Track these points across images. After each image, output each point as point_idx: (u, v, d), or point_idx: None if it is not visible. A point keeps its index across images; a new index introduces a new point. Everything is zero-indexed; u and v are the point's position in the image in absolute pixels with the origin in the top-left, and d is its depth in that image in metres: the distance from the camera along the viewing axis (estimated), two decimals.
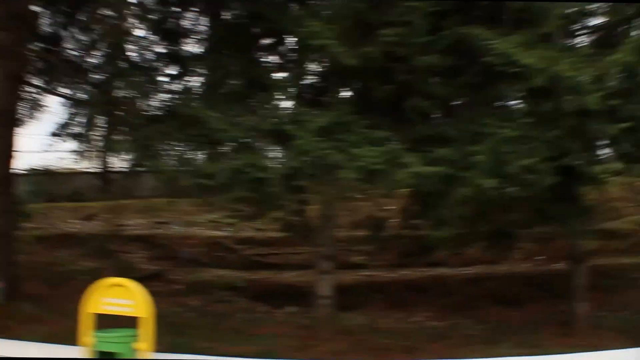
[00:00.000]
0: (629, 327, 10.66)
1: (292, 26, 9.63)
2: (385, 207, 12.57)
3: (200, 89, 11.63)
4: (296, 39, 10.23)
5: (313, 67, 10.72)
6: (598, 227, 14.18)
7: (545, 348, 8.89)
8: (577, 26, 10.16)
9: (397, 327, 11.09)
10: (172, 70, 11.93)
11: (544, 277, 12.35)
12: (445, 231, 9.46)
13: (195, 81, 11.93)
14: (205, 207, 13.25)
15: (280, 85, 10.11)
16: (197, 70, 11.94)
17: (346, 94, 10.49)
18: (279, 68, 11.13)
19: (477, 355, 9.00)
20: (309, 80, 10.93)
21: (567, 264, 11.07)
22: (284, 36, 10.94)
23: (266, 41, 11.55)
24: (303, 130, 8.80)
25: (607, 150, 9.75)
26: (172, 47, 11.88)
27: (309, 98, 10.42)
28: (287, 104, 10.26)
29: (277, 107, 9.72)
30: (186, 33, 11.93)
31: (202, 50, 12.13)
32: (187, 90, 11.47)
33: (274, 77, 10.53)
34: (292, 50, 10.95)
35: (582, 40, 10.23)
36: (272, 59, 11.59)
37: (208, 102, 10.20)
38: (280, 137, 9.27)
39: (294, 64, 10.76)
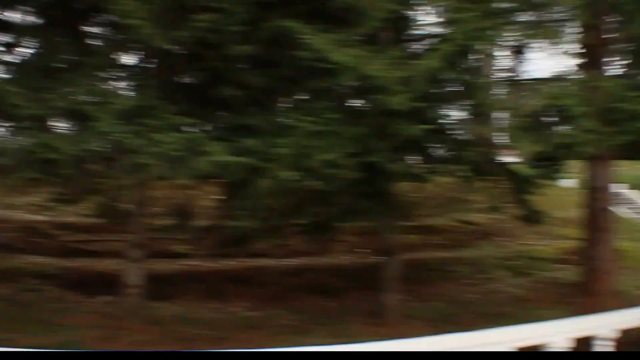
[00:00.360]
0: (438, 316, 11.19)
1: (109, 4, 9.16)
2: (208, 196, 12.35)
3: (17, 62, 10.84)
4: (113, 17, 9.74)
5: (128, 47, 10.27)
6: (418, 222, 14.85)
7: (356, 337, 9.11)
8: (396, 30, 10.35)
9: (211, 317, 11.00)
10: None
11: (363, 269, 12.62)
12: (253, 222, 9.44)
13: (17, 53, 11.09)
14: (25, 189, 12.50)
15: (93, 64, 9.61)
16: (22, 41, 11.10)
17: (156, 77, 10.12)
18: (98, 46, 10.55)
19: (287, 344, 9.07)
20: (121, 60, 10.48)
21: (381, 257, 11.37)
22: (104, 13, 10.41)
23: (89, 18, 10.97)
24: (104, 111, 8.40)
25: (413, 150, 10.09)
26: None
27: (120, 79, 10.03)
28: (96, 83, 9.76)
29: (83, 86, 9.20)
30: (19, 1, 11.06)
31: (31, 21, 11.30)
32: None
33: (90, 55, 9.97)
34: (111, 29, 10.43)
35: (399, 45, 10.44)
36: (94, 36, 11.00)
37: (17, 76, 9.56)
38: (80, 117, 8.81)
39: (111, 42, 10.26)
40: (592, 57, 11.63)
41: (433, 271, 13.57)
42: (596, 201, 12.62)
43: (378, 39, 9.47)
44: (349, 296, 12.16)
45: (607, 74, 10.31)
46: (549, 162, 10.52)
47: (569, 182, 20.65)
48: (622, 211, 23.70)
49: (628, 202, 26.49)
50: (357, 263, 13.25)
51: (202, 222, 11.86)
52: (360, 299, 11.82)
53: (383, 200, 9.84)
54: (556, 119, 9.20)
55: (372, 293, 11.49)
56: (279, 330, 10.27)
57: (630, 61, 10.63)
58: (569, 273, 13.96)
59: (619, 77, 10.53)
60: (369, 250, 12.41)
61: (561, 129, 9.22)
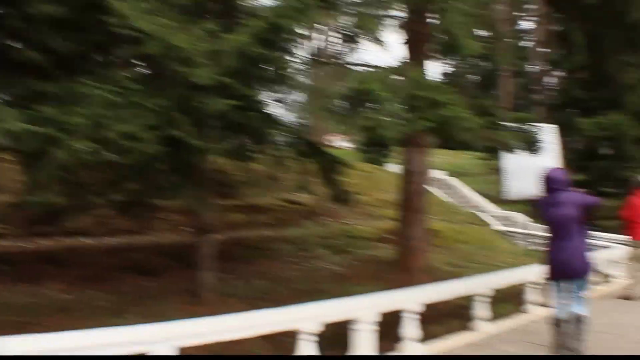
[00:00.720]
0: (256, 294, 11.24)
1: None
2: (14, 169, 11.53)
3: None
4: None
5: None
6: (242, 201, 14.87)
7: (171, 317, 8.94)
8: (215, 2, 10.15)
9: (20, 301, 10.26)
10: None
11: (184, 248, 12.39)
12: (60, 197, 8.95)
13: None
14: None
15: None
16: None
17: None
18: None
19: (100, 326, 8.73)
20: None
21: (198, 235, 11.25)
22: None
23: None
24: None
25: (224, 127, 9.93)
26: None
27: None
28: None
29: None
30: None
31: None
32: None
33: None
34: None
35: (216, 18, 10.24)
36: None
37: None
38: None
39: None
40: (411, 47, 12.18)
41: (256, 250, 13.65)
42: (412, 184, 13.23)
43: (196, 10, 9.26)
44: (168, 275, 11.95)
45: (418, 63, 10.73)
46: (375, 147, 10.90)
47: (395, 167, 21.58)
48: (440, 195, 25.19)
49: (447, 187, 28.22)
50: (179, 241, 12.99)
51: (8, 198, 11.11)
52: (180, 278, 11.63)
53: (192, 177, 9.66)
54: (364, 102, 9.42)
55: (192, 272, 11.35)
56: (94, 313, 9.86)
57: (442, 53, 11.16)
58: (386, 251, 14.54)
59: (425, 66, 11.03)
60: (191, 229, 12.19)
61: (368, 112, 9.43)
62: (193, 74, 8.11)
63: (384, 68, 10.61)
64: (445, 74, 50.16)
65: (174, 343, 6.28)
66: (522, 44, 48.39)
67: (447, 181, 29.32)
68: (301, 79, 9.80)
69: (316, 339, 7.17)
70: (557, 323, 7.82)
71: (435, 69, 49.10)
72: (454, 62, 50.54)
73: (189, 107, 8.59)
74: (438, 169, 31.12)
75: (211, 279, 10.91)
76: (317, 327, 7.22)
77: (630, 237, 11.82)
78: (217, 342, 7.18)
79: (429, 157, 13.62)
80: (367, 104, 9.18)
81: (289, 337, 7.62)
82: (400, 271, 12.77)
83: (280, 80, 9.70)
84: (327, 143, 41.02)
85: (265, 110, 9.49)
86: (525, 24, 45.73)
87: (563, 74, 35.06)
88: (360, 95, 9.14)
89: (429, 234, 14.16)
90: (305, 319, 7.28)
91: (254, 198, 15.43)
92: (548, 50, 35.75)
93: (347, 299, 8.10)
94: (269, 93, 10.03)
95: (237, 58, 8.41)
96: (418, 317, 8.55)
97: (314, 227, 15.65)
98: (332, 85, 9.93)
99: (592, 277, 12.47)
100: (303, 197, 15.91)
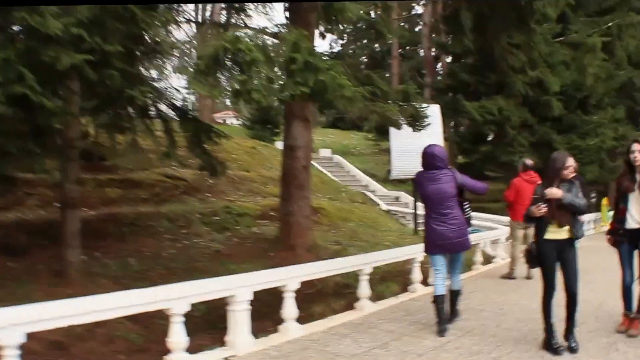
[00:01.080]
0: (128, 273, 10.63)
1: None
2: None
3: None
4: None
5: None
6: (119, 175, 14.11)
7: (33, 300, 8.24)
8: None
9: None
10: None
11: (55, 224, 11.56)
12: None
13: None
14: None
15: None
16: None
17: None
18: None
19: None
20: None
21: (67, 210, 10.43)
22: None
23: None
24: None
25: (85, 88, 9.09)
26: None
27: None
28: None
29: None
30: None
31: None
32: None
33: None
34: None
35: None
36: None
37: None
38: None
39: None
40: (294, 14, 11.79)
41: (132, 226, 12.92)
42: (295, 160, 12.89)
43: None
44: (34, 254, 11.02)
45: (300, 29, 10.29)
46: (262, 124, 10.46)
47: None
48: (329, 174, 25.12)
49: (336, 166, 28.25)
50: (46, 218, 12.08)
51: None
52: (46, 258, 10.81)
53: (50, 144, 8.79)
54: (236, 65, 8.93)
55: (60, 251, 10.59)
56: None
57: (325, 19, 10.86)
58: (270, 229, 14.20)
59: (307, 33, 10.64)
60: (59, 204, 11.33)
61: (240, 76, 8.93)
62: (42, 23, 7.27)
63: (258, 29, 10.15)
64: (333, 54, 50.49)
65: (24, 329, 5.57)
66: (414, 27, 49.30)
67: (336, 160, 29.32)
68: (170, 38, 9.12)
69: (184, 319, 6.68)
70: (437, 299, 7.73)
71: (323, 48, 49.28)
72: (343, 41, 50.86)
73: (38, 61, 7.70)
74: (328, 148, 31.17)
75: (79, 257, 10.16)
76: (189, 307, 6.74)
77: (511, 218, 11.97)
78: (78, 325, 6.62)
79: (312, 133, 13.31)
80: (240, 67, 8.68)
81: (161, 318, 7.14)
82: (283, 249, 12.44)
83: (146, 38, 8.96)
84: (215, 120, 40.36)
85: (128, 69, 8.65)
86: (418, 8, 46.53)
87: (451, 58, 35.72)
88: (231, 57, 8.62)
89: (314, 212, 13.90)
90: (176, 299, 6.76)
91: (131, 172, 14.66)
92: (435, 35, 36.33)
93: (221, 277, 7.73)
94: (135, 52, 9.22)
95: (92, 8, 7.60)
96: (295, 295, 8.21)
97: (195, 204, 15.02)
98: (204, 47, 9.29)
99: (473, 255, 12.72)
100: (184, 173, 15.31)
